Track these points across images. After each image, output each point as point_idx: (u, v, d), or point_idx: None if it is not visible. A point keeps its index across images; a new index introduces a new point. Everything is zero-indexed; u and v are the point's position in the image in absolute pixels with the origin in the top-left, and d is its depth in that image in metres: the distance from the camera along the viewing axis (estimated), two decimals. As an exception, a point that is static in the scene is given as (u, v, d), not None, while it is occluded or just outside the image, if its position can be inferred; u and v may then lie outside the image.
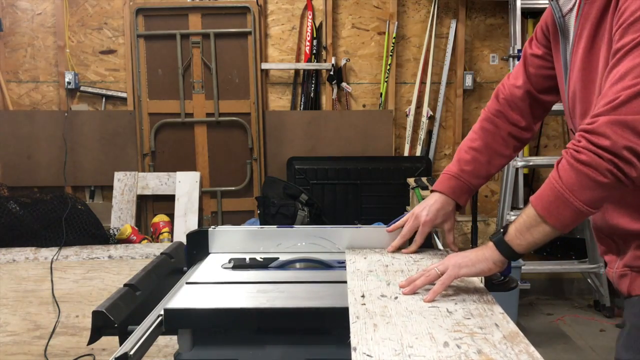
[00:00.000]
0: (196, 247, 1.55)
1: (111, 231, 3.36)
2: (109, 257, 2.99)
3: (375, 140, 4.03)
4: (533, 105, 1.45)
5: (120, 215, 3.82)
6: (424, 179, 3.66)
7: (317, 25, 4.02)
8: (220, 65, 3.98)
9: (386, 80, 4.04)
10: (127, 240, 3.35)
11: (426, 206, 1.46)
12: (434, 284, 1.15)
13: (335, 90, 4.03)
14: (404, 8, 4.08)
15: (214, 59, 3.95)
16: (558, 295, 4.21)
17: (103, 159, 3.98)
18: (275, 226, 1.61)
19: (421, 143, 4.10)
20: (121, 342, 1.08)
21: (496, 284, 1.24)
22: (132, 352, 0.98)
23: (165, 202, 3.94)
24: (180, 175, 3.92)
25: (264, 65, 4.01)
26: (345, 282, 1.24)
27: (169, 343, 2.70)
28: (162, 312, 1.12)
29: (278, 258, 1.47)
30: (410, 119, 4.07)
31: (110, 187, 3.93)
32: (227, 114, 4.01)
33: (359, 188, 3.92)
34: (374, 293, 1.16)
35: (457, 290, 1.18)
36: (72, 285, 2.95)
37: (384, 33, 4.05)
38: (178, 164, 3.99)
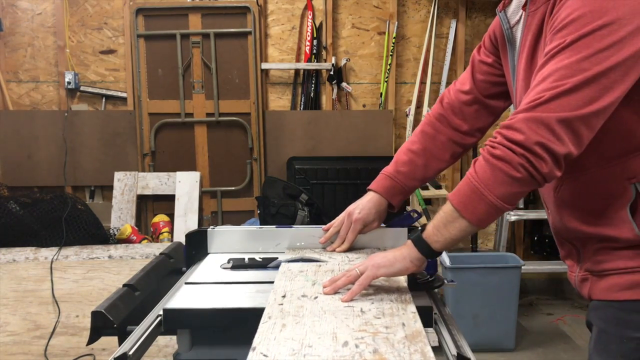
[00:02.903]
0: (195, 248, 1.55)
1: (111, 231, 3.37)
2: (109, 257, 2.99)
3: (375, 140, 4.02)
4: (480, 110, 1.45)
5: (120, 215, 3.82)
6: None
7: (317, 25, 4.02)
8: (220, 65, 3.98)
9: (386, 80, 4.04)
10: (127, 240, 3.35)
11: (359, 205, 1.49)
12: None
13: (335, 90, 4.03)
14: (404, 8, 4.08)
15: (214, 59, 3.95)
16: (558, 295, 4.21)
17: (103, 159, 3.97)
18: (274, 226, 1.62)
19: (421, 143, 4.09)
20: (120, 342, 1.08)
21: (421, 283, 1.24)
22: (131, 352, 0.98)
23: (165, 202, 3.94)
24: (180, 175, 3.92)
25: (264, 65, 4.01)
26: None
27: (169, 343, 2.70)
28: (161, 312, 1.12)
29: (277, 258, 1.46)
30: (410, 119, 4.06)
31: (110, 187, 3.93)
32: (227, 114, 4.01)
33: (359, 188, 3.92)
34: (296, 293, 1.17)
35: (378, 289, 1.19)
36: (72, 285, 2.95)
37: (384, 33, 4.05)
38: (178, 164, 3.99)
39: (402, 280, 1.24)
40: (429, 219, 3.44)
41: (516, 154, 1.02)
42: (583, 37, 1.00)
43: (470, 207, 1.07)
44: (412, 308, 1.08)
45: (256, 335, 0.96)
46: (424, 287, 1.25)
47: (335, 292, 1.16)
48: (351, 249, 1.51)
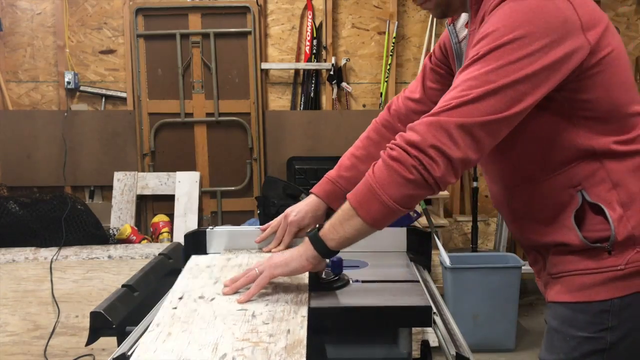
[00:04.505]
0: (194, 248, 1.55)
1: (111, 231, 3.37)
2: (109, 257, 2.99)
3: (375, 140, 4.01)
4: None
5: (120, 215, 3.82)
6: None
7: (317, 25, 4.02)
8: (220, 65, 3.98)
9: (386, 80, 4.04)
10: (126, 240, 3.35)
11: (297, 207, 1.48)
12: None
13: (335, 90, 4.02)
14: (404, 8, 4.08)
15: (213, 58, 3.95)
16: (558, 295, 4.20)
17: (103, 159, 3.97)
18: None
19: (421, 143, 4.09)
20: (119, 343, 1.08)
21: (323, 283, 1.23)
22: (130, 353, 0.98)
23: (165, 202, 3.94)
24: (180, 175, 3.91)
25: (264, 65, 4.00)
26: (343, 284, 1.24)
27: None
28: (160, 313, 1.12)
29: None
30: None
31: (110, 187, 3.92)
32: (227, 113, 4.00)
33: (359, 188, 3.91)
34: (194, 294, 1.15)
35: (278, 287, 1.18)
36: (72, 286, 2.95)
37: (384, 33, 4.05)
38: (178, 164, 3.99)
39: (304, 278, 1.23)
40: (428, 218, 3.44)
41: (410, 155, 1.03)
42: (494, 49, 1.02)
43: (366, 206, 1.08)
44: (303, 311, 1.07)
45: (137, 346, 0.95)
46: (326, 286, 1.22)
47: (235, 292, 1.16)
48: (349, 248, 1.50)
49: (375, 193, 1.06)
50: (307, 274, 1.21)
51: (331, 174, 1.51)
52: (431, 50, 1.48)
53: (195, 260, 1.34)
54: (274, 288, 1.18)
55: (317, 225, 1.17)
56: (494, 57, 1.02)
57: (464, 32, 1.26)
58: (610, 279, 1.10)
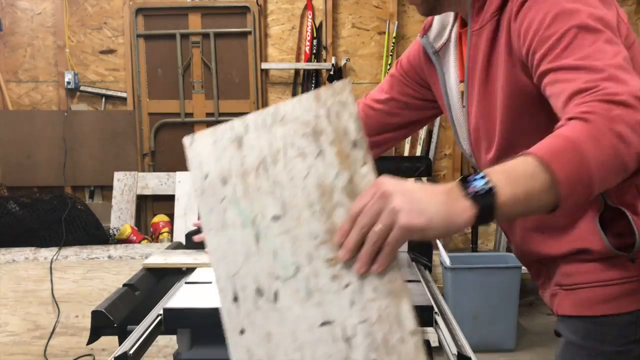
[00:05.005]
0: (195, 247, 1.55)
1: (111, 231, 3.37)
2: (109, 257, 2.98)
3: (375, 140, 4.02)
4: (388, 122, 1.39)
5: (120, 215, 3.82)
6: (424, 179, 3.65)
7: (317, 25, 4.02)
8: (220, 65, 3.98)
9: (386, 80, 4.04)
10: (126, 240, 3.35)
11: None
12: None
13: (335, 90, 4.02)
14: (404, 8, 4.08)
15: (213, 58, 3.95)
16: (558, 295, 4.21)
17: (103, 159, 3.97)
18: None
19: (421, 143, 4.09)
20: (120, 342, 1.08)
21: None
22: (131, 352, 0.98)
23: (165, 202, 3.94)
24: (180, 175, 3.91)
25: (264, 65, 4.00)
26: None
27: (168, 343, 2.69)
28: (161, 312, 1.12)
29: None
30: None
31: (110, 187, 3.92)
32: (227, 113, 4.00)
33: (359, 188, 3.91)
34: (250, 285, 0.75)
35: (363, 281, 0.73)
36: (72, 286, 2.95)
37: (384, 33, 4.05)
38: (178, 163, 3.98)
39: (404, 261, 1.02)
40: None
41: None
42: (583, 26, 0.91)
43: (560, 159, 0.77)
44: (415, 338, 0.71)
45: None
46: None
47: (349, 257, 0.73)
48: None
49: (579, 151, 0.77)
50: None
51: None
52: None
53: (199, 170, 0.82)
54: (359, 281, 0.72)
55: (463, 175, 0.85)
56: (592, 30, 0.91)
57: (441, 40, 1.22)
58: (634, 290, 1.05)
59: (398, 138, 1.45)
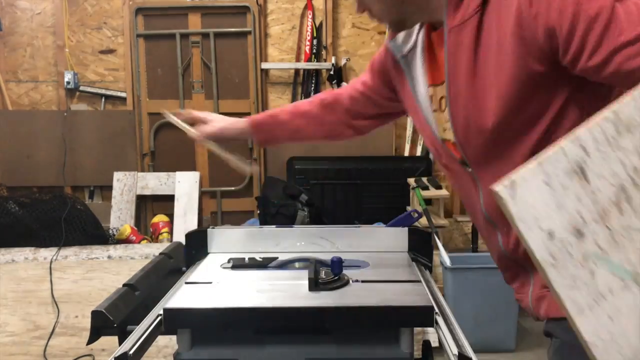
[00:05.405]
0: (195, 247, 1.55)
1: (110, 231, 3.36)
2: (109, 257, 2.98)
3: (375, 140, 4.02)
4: (369, 106, 1.49)
5: (120, 215, 3.82)
6: (424, 179, 3.65)
7: (317, 24, 4.02)
8: (220, 65, 3.98)
9: (386, 80, 4.04)
10: (126, 241, 3.34)
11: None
12: None
13: (335, 90, 4.03)
14: (404, 8, 4.08)
15: (213, 58, 3.95)
16: (558, 295, 4.20)
17: (102, 159, 3.97)
18: (274, 226, 1.61)
19: (421, 143, 4.09)
20: (120, 342, 1.08)
21: (322, 283, 1.17)
22: (131, 352, 0.97)
23: (165, 202, 3.94)
24: (180, 175, 3.91)
25: (264, 65, 4.00)
26: (342, 284, 1.23)
27: (168, 344, 2.69)
28: (161, 312, 1.12)
29: (277, 258, 1.46)
30: (410, 119, 4.06)
31: (110, 187, 3.92)
32: (227, 113, 3.96)
33: (359, 188, 3.91)
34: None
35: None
36: (72, 286, 2.95)
37: (384, 33, 4.05)
38: (178, 164, 3.98)
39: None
40: (429, 219, 3.44)
41: None
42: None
43: None
44: None
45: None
46: (324, 288, 1.16)
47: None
48: (350, 248, 1.49)
49: None
50: (306, 273, 1.20)
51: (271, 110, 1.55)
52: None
53: None
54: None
55: None
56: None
57: (408, 44, 1.23)
58: None
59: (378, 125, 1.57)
